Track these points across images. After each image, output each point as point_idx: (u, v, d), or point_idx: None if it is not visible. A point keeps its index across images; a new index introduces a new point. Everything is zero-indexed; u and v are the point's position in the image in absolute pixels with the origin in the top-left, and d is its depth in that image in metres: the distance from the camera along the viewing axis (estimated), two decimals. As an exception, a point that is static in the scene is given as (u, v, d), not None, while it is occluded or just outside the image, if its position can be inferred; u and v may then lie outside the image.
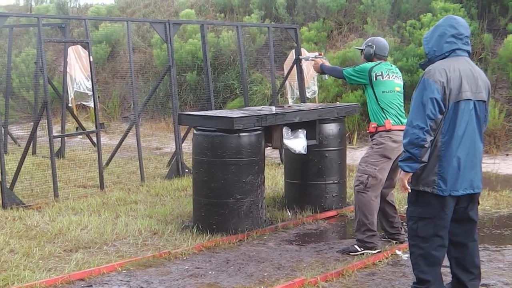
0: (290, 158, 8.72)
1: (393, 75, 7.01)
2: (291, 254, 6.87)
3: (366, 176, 6.78)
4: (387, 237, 7.27)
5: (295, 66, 12.30)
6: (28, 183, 9.78)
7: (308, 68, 12.75)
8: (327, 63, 7.88)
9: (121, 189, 9.88)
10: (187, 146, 11.83)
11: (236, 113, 7.85)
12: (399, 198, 8.64)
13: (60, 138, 12.69)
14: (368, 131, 7.16)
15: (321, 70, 7.81)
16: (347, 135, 11.72)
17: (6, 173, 9.01)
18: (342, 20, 17.10)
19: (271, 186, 9.73)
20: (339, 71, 7.57)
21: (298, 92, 12.78)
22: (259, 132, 7.58)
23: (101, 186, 9.89)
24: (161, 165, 12.03)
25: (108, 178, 10.41)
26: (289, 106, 9.42)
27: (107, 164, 11.29)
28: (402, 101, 7.05)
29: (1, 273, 6.15)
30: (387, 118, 6.84)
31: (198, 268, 6.40)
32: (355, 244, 6.87)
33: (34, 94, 14.52)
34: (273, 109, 8.38)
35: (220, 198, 7.45)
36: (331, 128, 8.52)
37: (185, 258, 6.66)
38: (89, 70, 10.81)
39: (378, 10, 15.90)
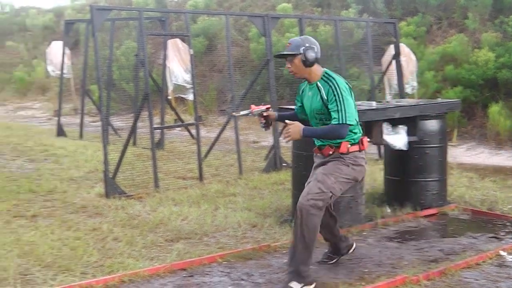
0: (390, 155, 8.61)
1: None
2: (391, 251, 6.77)
3: (331, 195, 5.53)
4: (329, 255, 6.34)
5: (393, 61, 12.17)
6: (129, 174, 10.00)
7: (407, 64, 12.61)
8: (273, 116, 6.03)
9: (220, 182, 9.99)
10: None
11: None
12: (502, 197, 8.47)
13: (159, 130, 12.95)
14: (337, 152, 5.64)
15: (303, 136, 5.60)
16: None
17: (108, 163, 9.26)
18: (442, 15, 16.83)
19: (369, 182, 9.64)
20: (337, 128, 5.46)
21: (396, 88, 12.65)
22: (359, 126, 7.51)
23: (200, 178, 10.02)
24: (258, 159, 12.09)
25: (206, 170, 10.54)
26: (387, 102, 9.32)
27: (206, 156, 11.43)
28: None
29: (106, 260, 6.33)
30: (362, 136, 5.80)
31: (298, 262, 6.41)
32: (293, 281, 5.51)
33: (134, 86, 14.85)
34: (373, 104, 8.30)
35: (319, 192, 7.43)
36: (432, 125, 8.33)
37: (284, 251, 6.64)
38: (188, 63, 10.98)
39: (479, 5, 15.59)
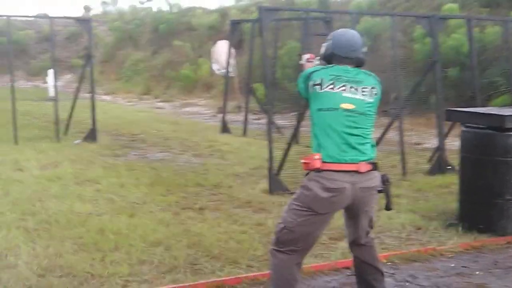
0: None
1: (342, 86, 4.56)
2: None
3: (282, 225, 4.61)
4: None
5: None
6: (292, 171, 10.12)
7: None
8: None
9: (383, 182, 9.90)
10: (449, 143, 11.62)
11: (507, 111, 7.59)
12: None
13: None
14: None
15: None
16: None
17: (273, 160, 9.42)
18: None
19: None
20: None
21: None
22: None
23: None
24: (422, 161, 11.90)
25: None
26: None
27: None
28: (360, 127, 4.62)
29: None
30: (317, 151, 4.53)
31: (464, 267, 6.28)
32: None
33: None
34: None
35: (487, 197, 7.27)
36: None
37: (450, 255, 6.55)
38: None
39: None
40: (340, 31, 4.80)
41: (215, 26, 27.63)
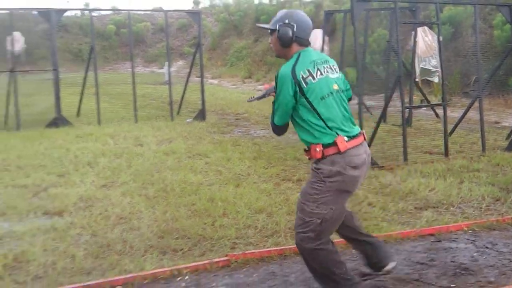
0: None
1: (324, 69, 4.20)
2: None
3: (319, 221, 4.13)
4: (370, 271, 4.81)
5: None
6: (381, 147, 10.05)
7: None
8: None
9: (464, 158, 9.69)
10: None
11: None
12: None
13: (408, 109, 12.85)
14: (308, 157, 4.27)
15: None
16: None
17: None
18: None
19: None
20: (272, 127, 4.47)
21: None
22: None
23: (446, 153, 9.79)
24: (500, 138, 11.56)
25: (451, 147, 10.27)
26: None
27: (450, 134, 11.16)
28: (345, 100, 4.29)
29: (364, 222, 6.44)
30: (337, 134, 4.12)
31: (541, 235, 6.13)
32: None
33: (385, 69, 14.83)
34: None
35: None
36: None
37: (529, 225, 6.41)
38: (434, 49, 10.74)
39: None
40: (298, 13, 4.25)
41: (310, 16, 27.54)
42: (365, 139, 4.27)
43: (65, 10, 15.25)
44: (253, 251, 5.59)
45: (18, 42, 17.69)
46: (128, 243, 5.86)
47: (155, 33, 37.32)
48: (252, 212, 6.82)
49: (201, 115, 14.76)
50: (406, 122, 12.45)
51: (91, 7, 31.17)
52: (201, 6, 39.60)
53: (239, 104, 17.31)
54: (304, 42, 4.23)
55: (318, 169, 4.14)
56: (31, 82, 20.47)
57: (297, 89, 4.06)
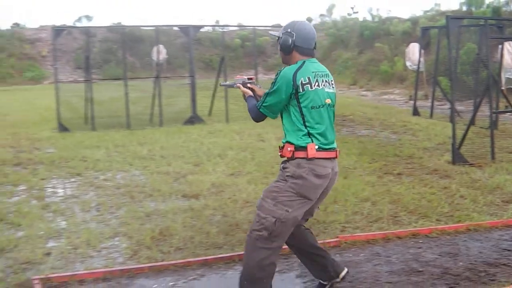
0: None
1: (322, 82, 3.81)
2: None
3: (274, 219, 3.67)
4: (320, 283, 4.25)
5: None
6: (470, 147, 9.68)
7: None
8: (259, 92, 4.15)
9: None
10: None
11: None
12: None
13: (494, 114, 12.31)
14: (279, 153, 3.86)
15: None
16: None
17: (455, 137, 9.08)
18: None
19: None
20: (254, 110, 3.94)
21: None
22: None
23: (530, 154, 9.36)
24: None
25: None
26: None
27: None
28: (332, 116, 3.90)
29: (455, 212, 6.28)
30: (312, 142, 3.74)
31: None
32: None
33: (474, 79, 14.25)
34: None
35: None
36: None
37: None
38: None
39: None
40: (300, 23, 3.86)
41: (408, 32, 26.76)
42: (336, 157, 3.86)
43: (201, 27, 15.63)
44: (360, 234, 5.56)
45: (161, 53, 18.39)
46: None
47: (274, 45, 37.63)
48: (358, 201, 6.76)
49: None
50: (494, 125, 12.00)
51: (221, 23, 31.70)
52: (313, 23, 39.51)
53: (346, 107, 17.13)
54: (305, 51, 3.83)
55: (284, 168, 3.77)
56: (172, 87, 21.13)
57: (293, 92, 3.71)
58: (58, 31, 14.10)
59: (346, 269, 4.21)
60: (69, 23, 40.11)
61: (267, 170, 8.46)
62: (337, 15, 38.51)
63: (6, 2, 57.99)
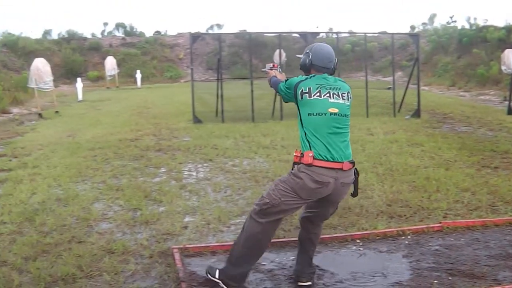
0: None
1: (326, 93, 3.60)
2: None
3: (267, 200, 3.60)
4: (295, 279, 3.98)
5: None
6: None
7: None
8: (280, 76, 4.11)
9: None
10: None
11: None
12: None
13: None
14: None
15: (270, 84, 4.13)
16: None
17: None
18: None
19: None
20: (277, 86, 3.94)
21: None
22: None
23: None
24: None
25: None
26: None
27: None
28: (342, 127, 3.67)
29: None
30: (309, 149, 3.58)
31: None
32: (221, 279, 3.78)
33: None
34: None
35: None
36: None
37: None
38: None
39: None
40: (318, 45, 3.80)
41: (503, 39, 24.92)
42: (343, 168, 3.61)
43: (318, 34, 15.49)
44: (461, 220, 5.28)
45: (282, 56, 18.45)
46: (364, 208, 5.82)
47: (381, 50, 36.50)
48: (459, 190, 6.42)
49: (417, 113, 14.13)
50: None
51: (334, 30, 31.23)
52: (415, 30, 37.84)
53: (446, 106, 16.30)
54: (321, 69, 3.74)
55: (293, 167, 3.67)
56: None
57: (294, 98, 3.71)
58: (194, 37, 14.56)
59: (309, 283, 3.92)
60: (202, 30, 41.37)
61: (376, 160, 8.25)
62: (437, 23, 36.51)
63: (150, 12, 61.11)
